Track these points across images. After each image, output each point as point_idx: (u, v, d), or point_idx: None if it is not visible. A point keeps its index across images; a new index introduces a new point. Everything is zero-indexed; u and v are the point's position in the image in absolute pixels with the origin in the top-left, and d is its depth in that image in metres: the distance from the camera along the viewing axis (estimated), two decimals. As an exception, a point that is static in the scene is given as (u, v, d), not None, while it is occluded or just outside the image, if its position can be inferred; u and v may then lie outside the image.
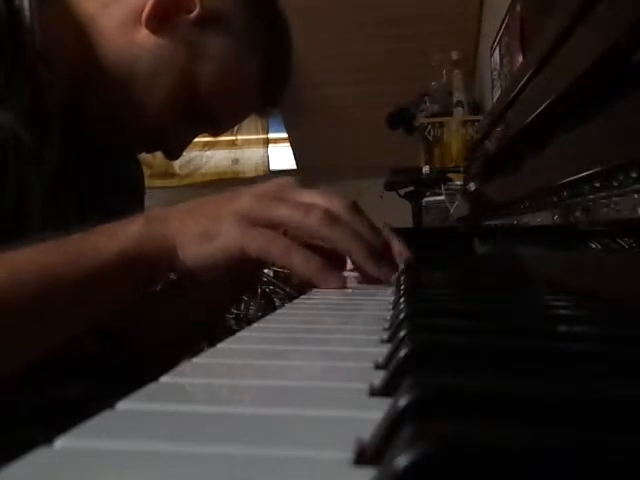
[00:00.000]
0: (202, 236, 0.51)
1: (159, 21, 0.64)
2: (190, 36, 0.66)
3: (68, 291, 0.49)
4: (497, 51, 1.97)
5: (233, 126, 0.78)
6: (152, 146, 0.73)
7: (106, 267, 0.50)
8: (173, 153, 0.73)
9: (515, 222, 0.67)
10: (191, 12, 0.65)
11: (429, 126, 2.41)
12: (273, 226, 0.52)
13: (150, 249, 0.51)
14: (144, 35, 0.64)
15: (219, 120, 0.73)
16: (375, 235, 0.54)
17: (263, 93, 0.72)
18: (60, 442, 0.16)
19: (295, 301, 0.50)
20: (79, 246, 0.50)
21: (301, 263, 0.51)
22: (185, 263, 0.52)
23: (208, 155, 3.63)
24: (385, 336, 0.31)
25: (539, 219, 0.57)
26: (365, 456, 0.16)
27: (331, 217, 0.51)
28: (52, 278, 0.47)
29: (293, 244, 0.51)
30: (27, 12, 0.59)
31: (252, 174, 3.63)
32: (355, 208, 0.54)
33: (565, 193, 0.47)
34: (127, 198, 0.79)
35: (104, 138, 0.69)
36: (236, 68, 0.69)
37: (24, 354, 0.48)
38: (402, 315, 0.32)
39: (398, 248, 0.58)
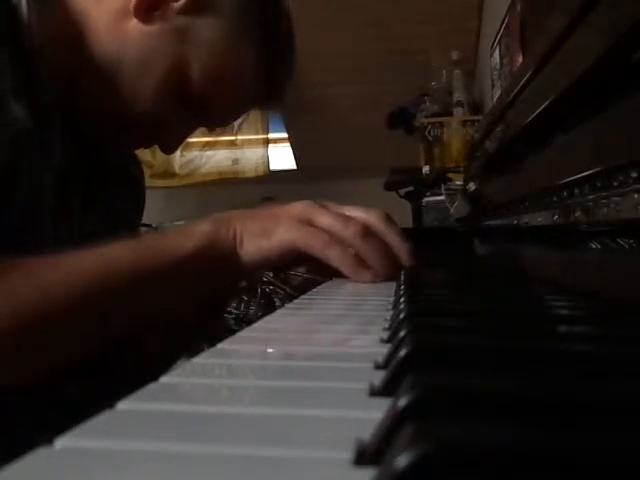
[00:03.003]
0: (261, 234, 0.59)
1: (147, 10, 0.64)
2: (179, 24, 0.65)
3: (153, 286, 0.56)
4: (497, 51, 1.97)
5: (232, 120, 0.77)
6: (148, 139, 0.72)
7: (184, 263, 0.57)
8: (169, 147, 0.73)
9: (515, 222, 0.67)
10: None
11: (429, 126, 2.41)
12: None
13: (218, 246, 0.58)
14: (134, 26, 0.64)
15: (216, 112, 0.71)
16: (403, 244, 0.62)
17: (263, 84, 0.71)
18: (60, 442, 0.16)
19: (295, 301, 0.50)
20: (159, 245, 0.58)
21: (337, 257, 0.59)
22: (243, 258, 0.59)
23: (208, 155, 3.63)
24: (385, 336, 0.31)
25: (539, 219, 0.57)
26: (365, 456, 0.16)
27: (365, 231, 0.59)
28: (144, 274, 0.55)
29: (332, 240, 0.58)
30: (25, 10, 0.59)
31: (252, 174, 3.63)
32: (389, 221, 0.62)
33: (565, 193, 0.47)
34: (127, 196, 0.79)
35: (99, 133, 0.69)
36: (230, 55, 0.68)
37: (109, 338, 0.56)
38: (402, 315, 0.32)
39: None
